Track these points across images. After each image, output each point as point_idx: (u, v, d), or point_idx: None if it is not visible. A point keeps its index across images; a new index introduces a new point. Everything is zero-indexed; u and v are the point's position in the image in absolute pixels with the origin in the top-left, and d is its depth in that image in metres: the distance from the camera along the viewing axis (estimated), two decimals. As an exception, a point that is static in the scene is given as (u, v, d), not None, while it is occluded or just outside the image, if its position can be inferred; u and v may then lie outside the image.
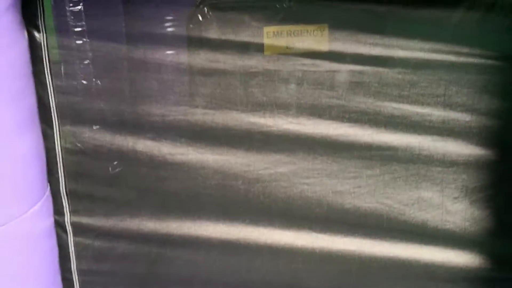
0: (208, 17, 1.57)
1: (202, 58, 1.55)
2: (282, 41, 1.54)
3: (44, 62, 1.41)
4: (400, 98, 1.51)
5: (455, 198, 1.55)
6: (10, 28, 1.28)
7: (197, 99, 1.56)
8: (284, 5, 1.54)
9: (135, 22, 1.56)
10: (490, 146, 1.51)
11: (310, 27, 1.54)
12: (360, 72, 1.51)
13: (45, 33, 1.40)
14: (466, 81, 1.50)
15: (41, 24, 1.39)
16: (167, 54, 1.57)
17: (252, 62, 1.51)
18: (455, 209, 1.55)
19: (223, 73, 1.54)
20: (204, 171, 1.59)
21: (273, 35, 1.55)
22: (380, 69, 1.50)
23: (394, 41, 1.49)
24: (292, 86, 1.54)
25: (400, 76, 1.51)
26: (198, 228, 1.61)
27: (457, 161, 1.53)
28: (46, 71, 1.43)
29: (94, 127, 1.57)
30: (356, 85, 1.51)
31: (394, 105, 1.52)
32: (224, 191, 1.60)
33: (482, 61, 1.48)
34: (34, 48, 1.39)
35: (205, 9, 1.57)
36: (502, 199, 1.54)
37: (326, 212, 1.57)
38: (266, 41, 1.55)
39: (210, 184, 1.60)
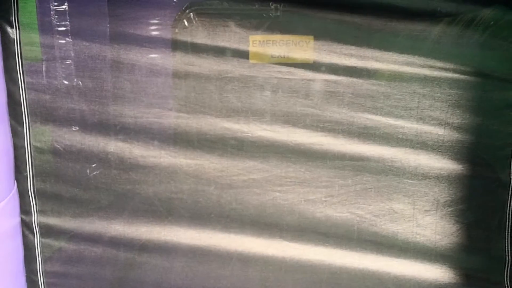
0: (194, 22, 1.57)
1: (185, 62, 1.55)
2: (267, 50, 1.56)
3: (16, 58, 1.40)
4: (374, 110, 1.53)
5: (426, 211, 1.55)
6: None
7: (178, 102, 1.56)
8: (271, 14, 1.55)
9: (119, 23, 1.55)
10: (462, 161, 1.52)
11: (295, 38, 1.56)
12: (335, 82, 1.52)
13: (18, 29, 1.39)
14: (439, 95, 1.51)
15: (15, 20, 1.37)
16: (150, 57, 1.56)
17: (229, 67, 1.52)
18: (426, 222, 1.55)
19: (206, 78, 1.54)
20: (176, 175, 1.58)
21: (258, 44, 1.56)
22: (355, 80, 1.52)
23: (370, 52, 1.51)
24: (268, 93, 1.55)
25: (374, 88, 1.53)
26: (168, 233, 1.59)
27: (429, 174, 1.54)
28: (18, 67, 1.41)
29: (71, 128, 1.56)
30: (331, 95, 1.53)
31: (368, 116, 1.53)
32: (196, 196, 1.59)
33: (456, 76, 1.50)
34: (6, 43, 1.38)
35: (191, 14, 1.57)
36: (472, 214, 1.55)
37: (297, 220, 1.57)
38: (252, 49, 1.56)
39: (182, 188, 1.59)
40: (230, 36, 1.54)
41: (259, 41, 1.56)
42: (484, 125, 1.51)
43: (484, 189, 1.54)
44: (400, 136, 1.53)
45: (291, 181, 1.55)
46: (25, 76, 1.43)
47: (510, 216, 1.50)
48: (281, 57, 1.57)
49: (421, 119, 1.52)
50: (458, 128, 1.52)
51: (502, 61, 1.49)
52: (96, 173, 1.60)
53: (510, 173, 1.48)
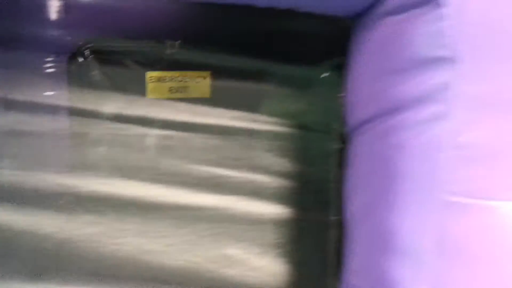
0: (90, 59, 1.57)
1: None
2: (164, 86, 1.61)
3: None
4: (207, 161, 1.63)
5: (259, 254, 1.66)
6: None
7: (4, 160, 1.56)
8: (167, 51, 1.59)
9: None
10: (289, 205, 1.66)
11: (193, 74, 1.62)
12: (170, 137, 1.60)
13: None
14: (266, 146, 1.64)
15: None
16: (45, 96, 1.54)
17: (61, 124, 1.55)
18: (259, 264, 1.66)
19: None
20: (13, 232, 1.57)
21: (156, 80, 1.59)
22: (187, 134, 1.61)
23: (199, 108, 1.61)
24: (103, 148, 1.59)
25: (206, 141, 1.63)
26: (5, 292, 1.58)
27: (260, 219, 1.65)
28: None
29: None
30: (165, 148, 1.60)
31: (202, 167, 1.62)
32: (34, 252, 1.58)
33: (280, 128, 1.65)
34: None
35: (87, 51, 1.58)
36: (301, 254, 1.68)
37: (136, 271, 1.60)
38: (149, 85, 1.60)
39: (19, 245, 1.58)
40: (126, 73, 1.57)
41: (156, 77, 1.60)
42: (307, 172, 1.67)
43: (310, 231, 1.68)
44: (232, 185, 1.63)
45: (129, 233, 1.60)
46: None
47: (336, 255, 1.64)
48: (179, 93, 1.62)
49: (250, 168, 1.64)
50: (283, 175, 1.66)
51: (318, 115, 1.65)
52: None
53: (328, 215, 1.64)
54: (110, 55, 1.57)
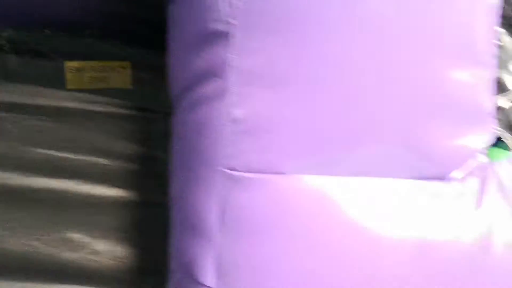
0: (6, 49, 1.53)
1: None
2: (84, 76, 1.57)
3: None
4: (43, 144, 1.59)
5: (100, 238, 1.63)
6: None
7: None
8: (86, 41, 1.56)
9: None
10: (131, 188, 1.63)
11: (113, 63, 1.58)
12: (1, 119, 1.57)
13: None
14: (105, 127, 1.61)
15: None
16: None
17: None
18: (101, 248, 1.63)
19: None
20: None
21: (75, 70, 1.55)
22: (21, 116, 1.57)
23: (34, 88, 1.58)
24: None
25: (42, 123, 1.60)
26: None
27: (101, 202, 1.62)
28: None
29: None
30: (-2, 132, 1.57)
31: (38, 150, 1.59)
32: None
33: (118, 110, 1.62)
34: None
35: (4, 41, 1.53)
36: (143, 237, 1.66)
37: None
38: (68, 76, 1.55)
39: None
40: (44, 63, 1.52)
41: (76, 67, 1.56)
42: (149, 155, 1.65)
43: (153, 214, 1.65)
44: (70, 168, 1.60)
45: (-37, 219, 1.57)
46: None
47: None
48: (100, 83, 1.59)
49: (89, 150, 1.61)
50: (125, 158, 1.63)
51: (156, 98, 1.63)
52: None
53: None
54: (27, 45, 1.54)
